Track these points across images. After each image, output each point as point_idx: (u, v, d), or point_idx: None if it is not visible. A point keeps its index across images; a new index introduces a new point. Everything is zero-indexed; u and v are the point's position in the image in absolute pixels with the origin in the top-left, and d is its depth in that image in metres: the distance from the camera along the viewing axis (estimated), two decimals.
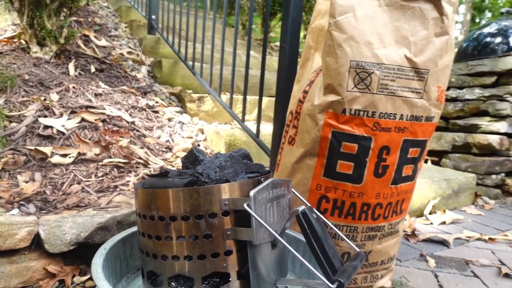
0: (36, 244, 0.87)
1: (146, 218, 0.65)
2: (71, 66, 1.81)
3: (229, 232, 0.62)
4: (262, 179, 0.67)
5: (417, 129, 0.82)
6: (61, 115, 1.35)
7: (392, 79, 0.77)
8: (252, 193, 0.60)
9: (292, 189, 0.75)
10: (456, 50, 2.62)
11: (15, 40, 1.96)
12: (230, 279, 0.64)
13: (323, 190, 0.85)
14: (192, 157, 0.78)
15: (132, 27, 2.97)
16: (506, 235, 1.50)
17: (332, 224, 0.87)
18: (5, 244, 0.82)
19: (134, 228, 0.84)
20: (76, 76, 1.77)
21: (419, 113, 0.81)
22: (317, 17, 0.90)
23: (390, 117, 0.79)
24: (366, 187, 0.83)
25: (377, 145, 0.80)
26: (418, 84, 0.79)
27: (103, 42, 2.37)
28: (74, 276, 0.90)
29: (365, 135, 0.79)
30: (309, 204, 0.71)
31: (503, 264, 1.23)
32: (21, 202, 0.93)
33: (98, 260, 0.68)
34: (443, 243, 1.39)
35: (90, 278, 0.89)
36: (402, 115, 0.80)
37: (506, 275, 1.14)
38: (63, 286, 0.87)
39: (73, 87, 1.59)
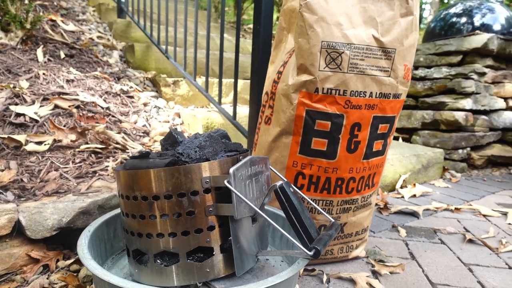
0: (18, 231, 0.87)
1: (129, 198, 0.67)
2: (39, 52, 1.75)
3: (211, 209, 0.65)
4: (240, 157, 0.70)
5: (385, 106, 0.87)
6: (33, 102, 1.32)
7: (362, 58, 0.81)
8: (231, 170, 0.63)
9: (270, 166, 0.78)
10: (424, 30, 2.70)
11: None
12: (213, 253, 0.67)
13: (299, 167, 0.89)
14: (171, 139, 0.79)
15: (100, 11, 2.88)
16: (470, 205, 1.60)
17: (309, 198, 0.91)
18: None
19: (117, 211, 0.86)
20: (45, 62, 1.72)
21: (387, 90, 0.85)
22: None
23: (361, 95, 0.83)
24: (340, 163, 0.88)
25: (349, 122, 0.84)
26: (385, 63, 0.83)
27: (71, 26, 2.29)
28: (58, 260, 0.91)
29: (338, 112, 0.83)
30: (286, 180, 0.74)
31: (467, 231, 1.32)
32: None
33: (83, 242, 0.70)
34: (414, 214, 1.48)
35: (75, 262, 0.91)
36: (371, 92, 0.84)
37: (470, 241, 1.23)
38: (48, 271, 0.88)
39: (43, 74, 1.55)
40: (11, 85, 1.38)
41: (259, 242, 0.75)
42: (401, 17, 0.82)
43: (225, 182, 0.63)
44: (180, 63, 2.12)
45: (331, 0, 0.79)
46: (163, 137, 1.51)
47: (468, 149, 2.35)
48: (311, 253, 0.59)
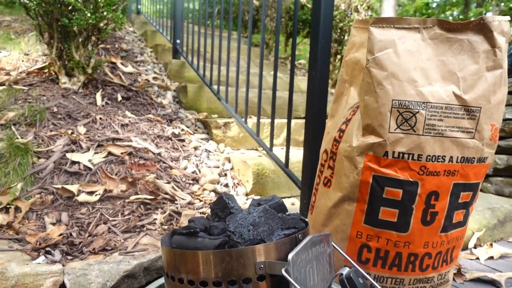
0: None
1: (175, 280, 0.60)
2: (98, 96, 1.82)
3: None
4: (300, 235, 0.61)
5: (468, 171, 0.74)
6: (88, 149, 1.34)
7: (440, 118, 0.70)
8: (290, 256, 0.54)
9: (333, 243, 0.68)
10: None
11: (45, 71, 2.00)
12: None
13: (364, 239, 0.78)
14: (222, 204, 0.73)
15: (157, 52, 3.00)
16: None
17: (375, 275, 0.79)
18: None
19: (162, 280, 0.79)
20: (103, 105, 1.78)
21: (470, 154, 0.73)
22: (352, 49, 0.84)
23: (439, 160, 0.71)
24: (413, 236, 0.75)
25: (424, 190, 0.73)
26: (469, 123, 0.71)
27: (129, 68, 2.39)
28: None
29: (411, 179, 0.72)
30: (355, 265, 0.64)
31: None
32: (47, 249, 0.90)
33: None
34: (494, 283, 1.27)
35: None
36: (451, 157, 0.72)
37: None
38: None
39: (100, 118, 1.59)
40: (70, 131, 1.41)
41: None
42: (488, 71, 0.71)
43: (283, 271, 0.54)
44: (231, 104, 2.10)
45: (404, 54, 0.70)
46: (212, 185, 1.47)
47: None
48: None
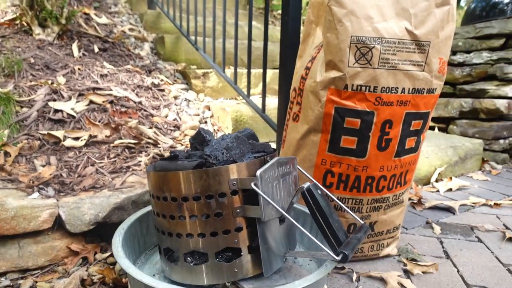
0: (58, 225, 0.92)
1: (160, 199, 0.69)
2: (74, 47, 1.81)
3: (238, 210, 0.66)
4: (268, 158, 0.70)
5: (419, 101, 0.83)
6: (70, 98, 1.37)
7: (393, 53, 0.78)
8: (258, 172, 0.63)
9: (298, 166, 0.77)
10: (464, 11, 2.55)
11: (16, 22, 1.96)
12: (241, 254, 0.68)
13: (328, 165, 0.88)
14: (200, 138, 0.80)
15: (131, 2, 2.92)
16: (511, 200, 1.53)
17: (338, 197, 0.90)
18: (30, 226, 0.87)
19: (149, 207, 0.88)
20: (80, 57, 1.78)
21: (421, 85, 0.81)
22: None
23: (392, 91, 0.80)
24: (370, 161, 0.86)
25: (379, 119, 0.82)
26: (419, 56, 0.79)
27: (103, 19, 2.35)
28: (96, 253, 0.96)
29: (368, 110, 0.81)
30: (314, 180, 0.74)
31: (507, 228, 1.26)
32: (40, 186, 0.97)
33: (117, 239, 0.73)
34: (449, 210, 1.43)
35: (111, 255, 0.95)
36: (404, 88, 0.80)
37: (510, 239, 1.17)
38: (87, 263, 0.93)
39: (79, 69, 1.61)
40: (49, 81, 1.44)
41: (287, 242, 0.75)
42: (437, 7, 0.78)
43: (252, 184, 0.63)
44: (209, 54, 2.12)
45: None
46: (193, 131, 1.54)
47: (510, 139, 2.22)
48: (338, 258, 0.59)
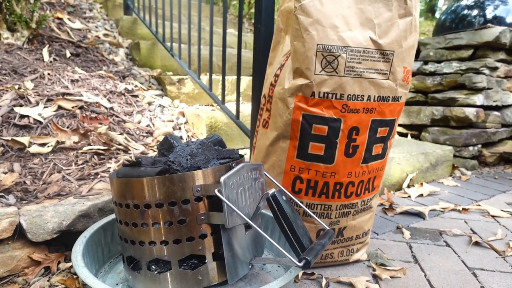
0: (19, 234, 0.89)
1: (122, 206, 0.67)
2: (45, 52, 1.77)
3: (202, 217, 0.65)
4: (233, 164, 0.69)
5: (384, 109, 0.85)
6: (37, 103, 1.34)
7: (359, 61, 0.79)
8: (222, 179, 0.62)
9: (265, 172, 0.77)
10: (435, 22, 2.63)
11: None
12: (206, 261, 0.67)
13: (297, 171, 0.88)
14: (167, 144, 0.79)
15: (107, 8, 2.89)
16: (479, 205, 1.57)
17: (307, 203, 0.91)
18: None
19: (114, 215, 0.86)
20: (51, 62, 1.74)
21: (386, 93, 0.83)
22: None
23: (358, 99, 0.81)
24: (338, 167, 0.87)
25: (346, 126, 0.83)
26: (384, 65, 0.81)
27: (77, 24, 2.31)
28: (59, 262, 0.92)
29: (335, 117, 0.82)
30: (280, 186, 0.74)
31: (474, 233, 1.29)
32: (0, 194, 0.93)
33: (78, 248, 0.71)
34: (419, 215, 1.45)
35: None
36: (369, 96, 0.82)
37: (476, 243, 1.20)
38: (49, 273, 0.90)
39: (48, 74, 1.57)
40: (16, 86, 1.40)
41: (253, 248, 0.75)
42: (400, 18, 0.80)
43: (216, 191, 0.62)
44: (185, 60, 2.12)
45: (327, 1, 0.77)
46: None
47: (479, 146, 2.30)
48: (300, 264, 0.59)
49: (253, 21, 4.41)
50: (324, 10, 0.77)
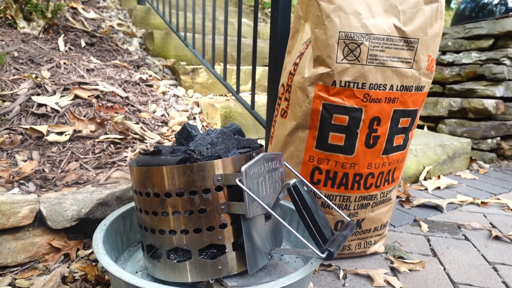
0: (39, 221, 0.90)
1: (142, 195, 0.67)
2: (60, 41, 1.78)
3: (223, 207, 0.65)
4: (253, 154, 0.68)
5: (407, 99, 0.83)
6: (54, 92, 1.34)
7: (382, 49, 0.77)
8: (243, 168, 0.61)
9: (284, 162, 0.76)
10: (453, 11, 2.57)
11: (0, 15, 1.91)
12: (226, 251, 0.66)
13: (316, 162, 0.87)
14: (185, 133, 0.79)
15: None
16: (498, 199, 1.54)
17: (326, 194, 0.89)
18: (9, 222, 0.84)
19: (133, 203, 0.86)
20: (66, 51, 1.75)
21: (409, 83, 0.81)
22: None
23: (380, 88, 0.79)
24: (358, 158, 0.85)
25: (367, 116, 0.81)
26: (407, 53, 0.78)
27: (91, 14, 2.31)
28: (78, 250, 0.93)
29: (356, 106, 0.80)
30: (300, 177, 0.73)
31: (494, 227, 1.27)
32: (20, 181, 0.95)
33: (98, 236, 0.71)
34: (437, 208, 1.43)
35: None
36: (392, 85, 0.80)
37: (496, 238, 1.18)
38: (68, 260, 0.91)
39: (64, 63, 1.57)
40: (33, 75, 1.40)
41: (272, 239, 0.74)
42: (425, 4, 0.77)
43: (237, 180, 0.62)
44: (199, 50, 2.10)
45: None
46: (181, 127, 1.52)
47: (498, 138, 2.25)
48: (323, 255, 0.58)
49: (265, 11, 4.37)
50: None
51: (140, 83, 1.69)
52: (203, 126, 1.61)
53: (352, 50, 0.76)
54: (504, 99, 2.24)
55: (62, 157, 1.11)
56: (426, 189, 1.65)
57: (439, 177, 1.74)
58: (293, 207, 0.87)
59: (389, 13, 0.76)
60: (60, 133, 1.19)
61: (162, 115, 1.53)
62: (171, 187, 0.64)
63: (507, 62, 2.14)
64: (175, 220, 0.65)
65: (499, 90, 2.13)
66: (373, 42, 0.76)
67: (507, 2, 2.24)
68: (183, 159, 0.65)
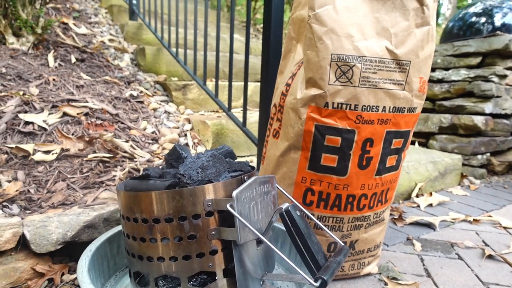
0: (22, 244, 0.86)
1: (130, 220, 0.65)
2: (50, 57, 1.76)
3: (213, 232, 0.63)
4: (245, 177, 0.67)
5: (399, 120, 0.82)
6: (42, 110, 1.32)
7: (374, 71, 0.77)
8: (234, 193, 0.60)
9: (277, 185, 0.75)
10: (442, 29, 2.61)
11: None
12: (216, 278, 0.64)
13: (309, 183, 0.86)
14: (176, 154, 0.77)
15: (112, 13, 2.88)
16: (490, 216, 1.54)
17: (318, 215, 0.88)
18: None
19: (120, 227, 0.84)
20: (56, 67, 1.73)
21: (401, 104, 0.81)
22: (298, 7, 0.88)
23: (373, 110, 0.79)
24: (351, 179, 0.84)
25: (360, 137, 0.80)
26: (399, 75, 0.78)
27: (83, 29, 2.30)
28: (63, 274, 0.90)
29: (348, 128, 0.79)
30: (294, 200, 0.71)
31: (486, 245, 1.26)
32: (4, 203, 0.91)
33: (83, 263, 0.68)
34: (430, 226, 1.42)
35: None
36: (384, 107, 0.79)
37: (489, 257, 1.17)
38: (53, 285, 0.88)
39: (53, 80, 1.55)
40: (21, 92, 1.38)
41: (265, 264, 0.72)
42: (417, 27, 0.78)
43: (228, 206, 0.60)
44: (190, 66, 2.10)
45: (342, 10, 0.75)
46: (172, 144, 1.50)
47: (488, 154, 2.27)
48: (317, 284, 0.56)
49: (257, 26, 4.41)
50: (339, 19, 0.75)
51: (131, 100, 1.67)
52: (194, 143, 1.59)
53: (345, 72, 0.76)
54: (493, 115, 2.27)
55: (49, 177, 1.08)
56: (418, 206, 1.65)
57: (431, 194, 1.74)
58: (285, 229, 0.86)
59: (381, 35, 0.76)
60: (47, 152, 1.17)
61: (152, 132, 1.51)
62: (160, 213, 0.62)
63: (495, 79, 2.17)
64: (164, 247, 0.63)
65: (488, 107, 2.16)
66: (365, 64, 0.76)
67: (493, 21, 2.29)
68: (173, 184, 0.63)
